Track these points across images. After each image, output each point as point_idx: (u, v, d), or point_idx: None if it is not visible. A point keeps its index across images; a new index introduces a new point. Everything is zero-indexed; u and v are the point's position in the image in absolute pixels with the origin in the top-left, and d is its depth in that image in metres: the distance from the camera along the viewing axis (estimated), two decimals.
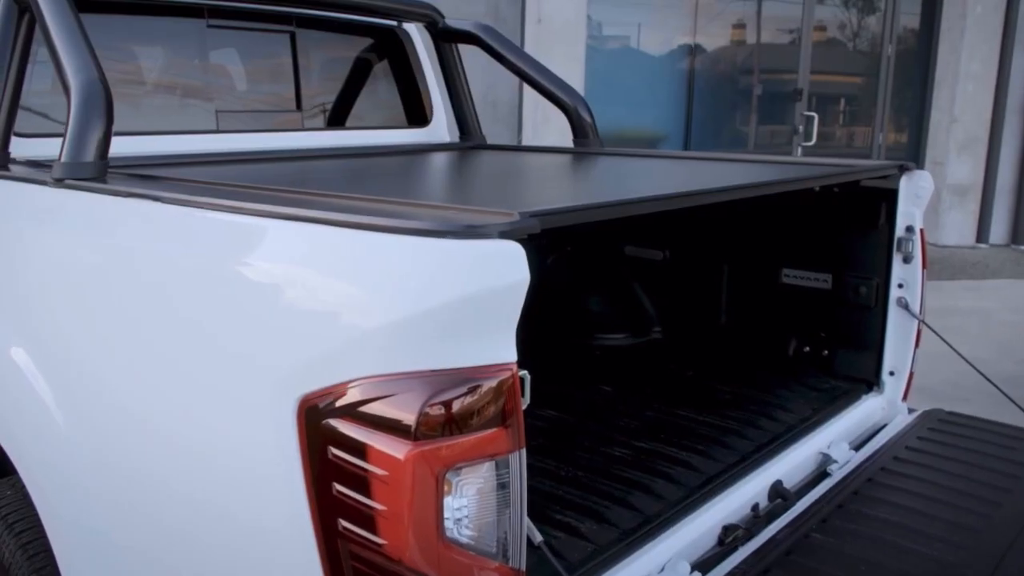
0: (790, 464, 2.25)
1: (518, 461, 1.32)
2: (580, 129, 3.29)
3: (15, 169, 2.17)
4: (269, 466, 1.38)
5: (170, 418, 1.52)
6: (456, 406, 1.26)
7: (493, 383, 1.28)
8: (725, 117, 8.65)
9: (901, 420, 2.63)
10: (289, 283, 1.39)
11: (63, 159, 1.95)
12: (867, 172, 2.52)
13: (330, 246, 1.37)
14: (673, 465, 2.14)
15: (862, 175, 2.51)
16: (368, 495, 1.27)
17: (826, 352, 2.82)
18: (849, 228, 2.71)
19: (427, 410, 1.24)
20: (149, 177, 1.98)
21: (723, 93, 8.57)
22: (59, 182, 1.93)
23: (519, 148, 3.40)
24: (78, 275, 1.74)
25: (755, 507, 2.08)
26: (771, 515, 2.05)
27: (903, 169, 2.58)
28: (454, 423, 1.26)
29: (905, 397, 2.72)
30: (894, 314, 2.65)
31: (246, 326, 1.42)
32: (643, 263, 3.23)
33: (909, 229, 2.60)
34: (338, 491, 1.30)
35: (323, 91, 3.37)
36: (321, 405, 1.31)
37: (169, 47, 2.94)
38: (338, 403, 1.29)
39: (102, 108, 1.97)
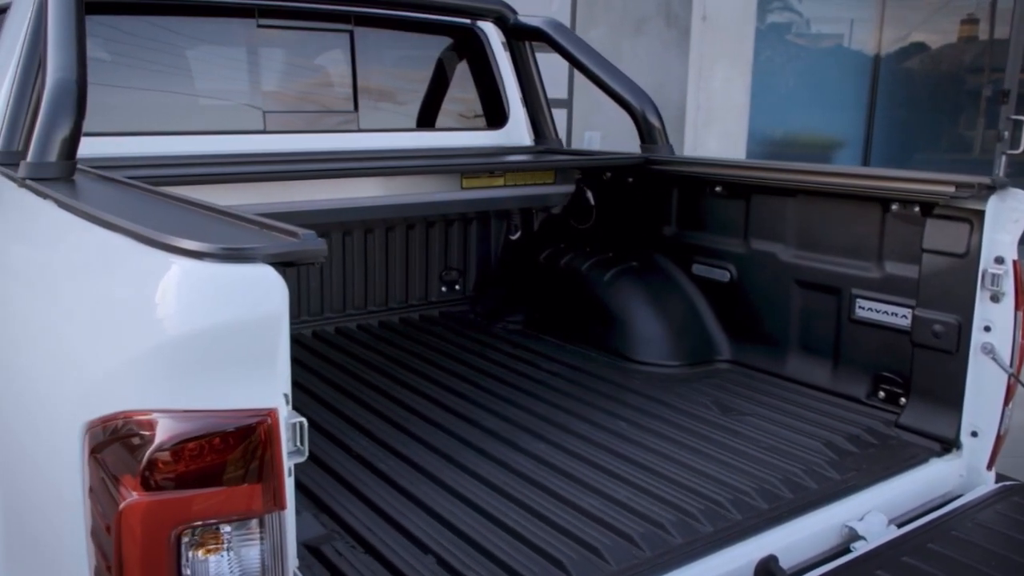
0: (795, 536, 1.87)
1: (278, 522, 1.12)
2: (648, 134, 2.99)
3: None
4: (70, 499, 1.27)
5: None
6: (197, 454, 1.09)
7: (246, 430, 1.10)
8: (913, 121, 7.78)
9: (981, 491, 2.15)
10: (83, 294, 1.28)
11: (28, 159, 1.96)
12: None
13: (115, 258, 1.25)
14: (643, 523, 1.82)
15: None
16: (105, 547, 1.12)
17: (903, 400, 2.37)
18: (927, 256, 2.26)
19: (159, 456, 1.08)
20: (106, 179, 1.95)
21: (911, 95, 7.71)
22: (22, 181, 1.94)
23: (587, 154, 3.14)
24: None
25: None
26: None
27: (991, 187, 2.10)
28: (194, 474, 1.09)
29: (991, 464, 2.23)
30: (978, 362, 2.18)
31: (57, 341, 1.32)
32: (710, 284, 2.88)
33: (999, 260, 2.12)
34: (92, 536, 1.17)
35: (387, 90, 3.28)
36: (93, 435, 1.18)
37: (224, 48, 2.95)
38: (103, 436, 1.16)
39: (72, 110, 1.95)
